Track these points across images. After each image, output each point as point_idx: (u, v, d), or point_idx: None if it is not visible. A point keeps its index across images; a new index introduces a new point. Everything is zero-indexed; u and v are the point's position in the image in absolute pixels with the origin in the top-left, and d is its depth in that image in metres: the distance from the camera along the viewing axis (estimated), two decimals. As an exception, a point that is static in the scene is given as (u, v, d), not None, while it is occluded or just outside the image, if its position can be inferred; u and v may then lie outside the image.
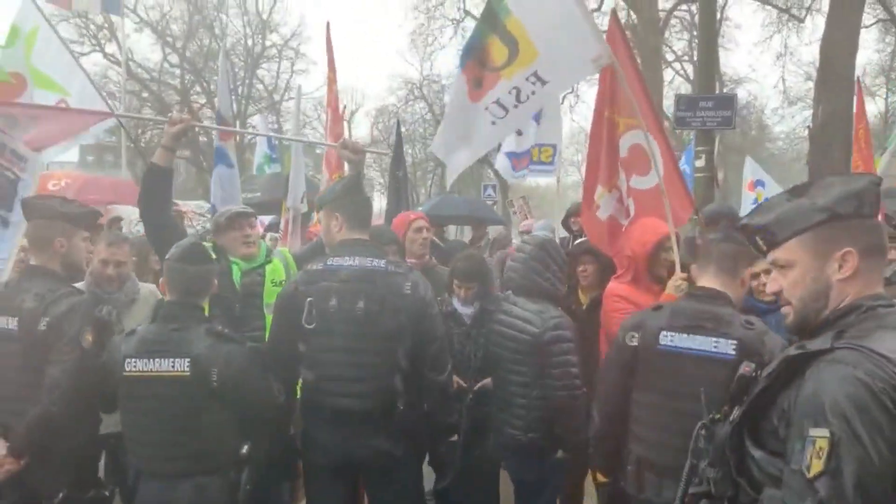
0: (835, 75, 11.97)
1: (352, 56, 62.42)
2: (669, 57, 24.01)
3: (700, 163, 8.13)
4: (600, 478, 3.40)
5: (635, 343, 2.70)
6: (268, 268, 3.61)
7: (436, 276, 4.13)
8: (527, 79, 3.63)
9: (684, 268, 3.40)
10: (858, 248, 1.64)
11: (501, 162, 8.64)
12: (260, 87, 31.19)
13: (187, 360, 2.71)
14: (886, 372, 1.43)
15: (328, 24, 6.45)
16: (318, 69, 30.93)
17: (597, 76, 3.99)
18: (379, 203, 15.77)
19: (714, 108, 8.02)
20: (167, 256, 2.91)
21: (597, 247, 4.07)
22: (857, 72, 12.55)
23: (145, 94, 28.89)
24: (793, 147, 30.13)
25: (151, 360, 2.72)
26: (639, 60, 19.58)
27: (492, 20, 3.71)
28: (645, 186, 3.85)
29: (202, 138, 25.65)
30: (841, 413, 1.41)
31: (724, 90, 24.64)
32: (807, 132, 15.01)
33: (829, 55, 12.39)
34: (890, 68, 25.35)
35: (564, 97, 22.86)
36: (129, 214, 6.97)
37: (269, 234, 7.30)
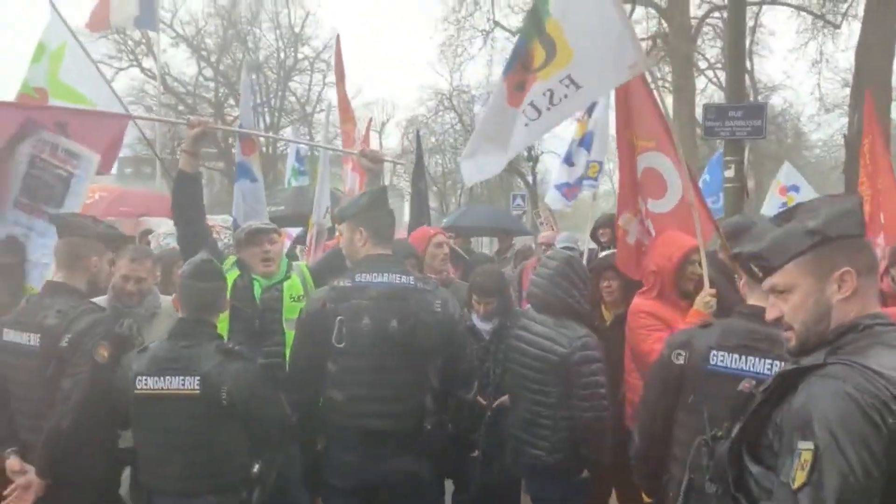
0: (871, 81, 11.68)
1: (382, 67, 63.02)
2: (702, 65, 23.68)
3: (729, 173, 7.94)
4: (646, 498, 3.32)
5: (681, 361, 2.58)
6: (286, 283, 3.61)
7: (455, 290, 4.09)
8: (560, 81, 3.56)
9: (712, 283, 3.31)
10: (856, 268, 1.65)
11: (552, 195, 8.53)
12: (292, 99, 31.57)
13: (197, 377, 2.70)
14: (876, 386, 1.44)
15: (338, 35, 6.59)
16: (348, 81, 30.95)
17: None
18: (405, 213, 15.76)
19: (744, 117, 7.83)
20: (180, 273, 2.92)
21: (623, 270, 3.98)
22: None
23: (181, 108, 29.42)
24: (830, 155, 29.46)
25: (162, 377, 2.72)
26: (669, 69, 19.34)
27: (536, 22, 3.66)
28: (660, 210, 3.79)
29: (234, 150, 25.97)
30: (827, 426, 1.42)
31: (759, 97, 24.23)
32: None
33: (865, 61, 12.14)
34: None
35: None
36: (159, 227, 7.05)
37: (298, 247, 7.31)
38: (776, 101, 26.80)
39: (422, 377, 2.99)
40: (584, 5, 3.56)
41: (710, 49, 23.72)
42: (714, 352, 2.51)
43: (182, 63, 30.56)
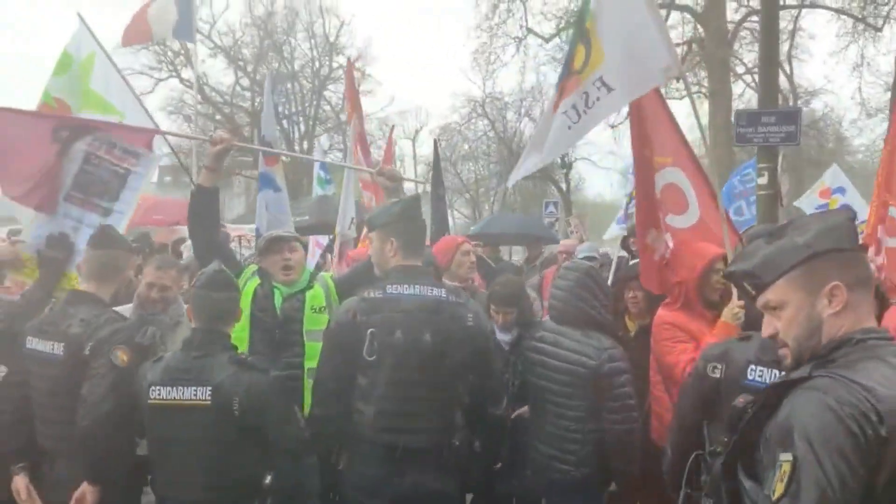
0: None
1: (415, 75, 63.30)
2: (739, 69, 23.26)
3: (763, 180, 7.76)
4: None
5: (718, 375, 2.54)
6: (308, 293, 3.57)
7: (479, 299, 4.06)
8: (593, 83, 3.51)
9: (739, 295, 3.23)
10: (846, 282, 1.64)
11: (613, 231, 8.45)
12: (326, 108, 31.97)
13: (209, 388, 2.71)
14: (857, 398, 1.44)
15: (349, 60, 6.47)
16: (382, 90, 31.52)
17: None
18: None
19: (777, 122, 7.66)
20: (193, 283, 2.94)
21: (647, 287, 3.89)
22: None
23: (218, 117, 29.99)
24: (873, 160, 28.69)
25: (175, 388, 2.73)
26: (705, 73, 18.95)
27: (580, 25, 3.63)
28: (681, 225, 3.72)
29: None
30: (806, 437, 1.43)
31: (799, 102, 23.74)
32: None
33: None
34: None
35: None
36: (192, 235, 7.12)
37: (328, 255, 7.32)
38: (817, 105, 26.25)
39: (453, 392, 2.94)
40: (618, 5, 3.49)
41: (748, 53, 23.31)
42: (752, 366, 2.47)
43: (220, 73, 31.30)
